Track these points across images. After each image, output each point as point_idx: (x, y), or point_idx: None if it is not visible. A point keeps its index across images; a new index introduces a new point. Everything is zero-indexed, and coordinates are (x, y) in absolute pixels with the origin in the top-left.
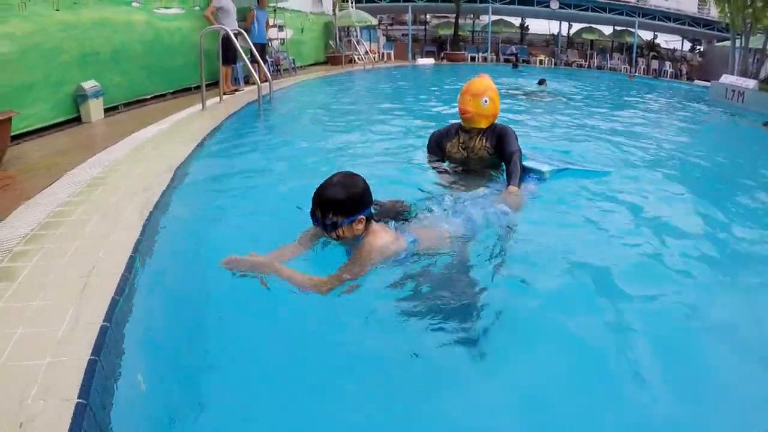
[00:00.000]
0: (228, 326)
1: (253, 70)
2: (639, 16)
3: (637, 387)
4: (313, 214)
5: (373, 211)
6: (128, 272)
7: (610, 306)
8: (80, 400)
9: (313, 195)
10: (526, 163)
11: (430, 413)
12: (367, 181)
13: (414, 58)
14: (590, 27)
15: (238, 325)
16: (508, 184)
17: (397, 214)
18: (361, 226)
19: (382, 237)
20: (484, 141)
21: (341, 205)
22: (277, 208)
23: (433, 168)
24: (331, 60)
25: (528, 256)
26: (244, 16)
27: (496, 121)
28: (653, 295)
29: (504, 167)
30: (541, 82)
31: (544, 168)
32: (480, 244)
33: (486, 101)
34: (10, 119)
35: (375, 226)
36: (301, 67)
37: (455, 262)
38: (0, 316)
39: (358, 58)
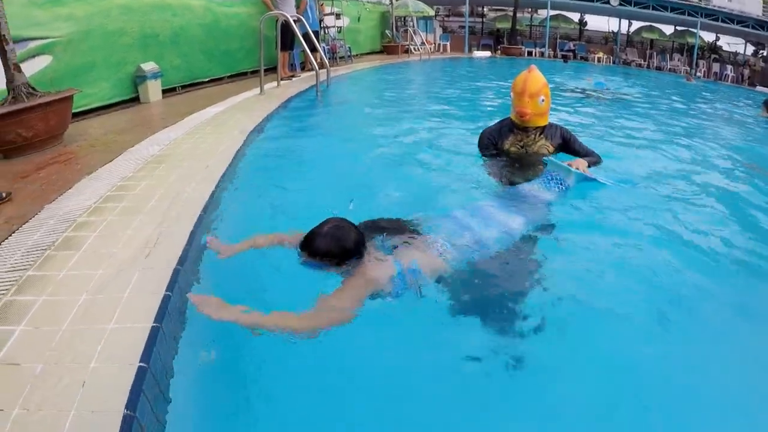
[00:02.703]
0: (286, 299)
1: (311, 57)
2: (701, 16)
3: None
4: (304, 259)
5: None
6: (189, 245)
7: (651, 323)
8: (142, 364)
9: (302, 239)
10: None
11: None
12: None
13: (470, 50)
14: (651, 26)
15: (295, 300)
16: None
17: (401, 232)
18: (348, 267)
19: (370, 270)
20: (543, 139)
21: (331, 255)
22: (332, 193)
23: (486, 161)
24: (387, 50)
25: (563, 266)
26: (298, 3)
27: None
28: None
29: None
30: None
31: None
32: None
33: (543, 100)
34: (71, 97)
35: (362, 265)
36: (357, 55)
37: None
38: (65, 283)
39: (414, 49)
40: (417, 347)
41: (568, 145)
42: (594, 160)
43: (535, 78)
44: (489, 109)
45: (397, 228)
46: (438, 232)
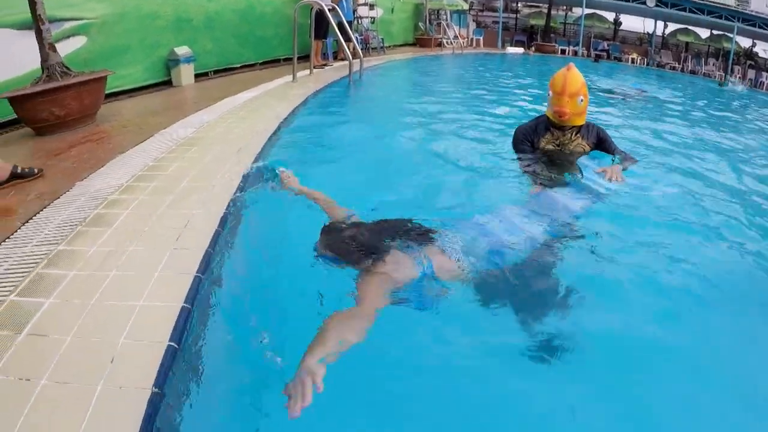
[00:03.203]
0: (320, 285)
1: (345, 46)
2: (738, 21)
3: None
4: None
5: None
6: (221, 227)
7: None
8: (172, 343)
9: (321, 239)
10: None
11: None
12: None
13: (503, 46)
14: (686, 29)
15: (329, 288)
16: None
17: (420, 235)
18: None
19: (388, 271)
20: (580, 138)
21: (348, 259)
22: (361, 183)
23: (520, 159)
24: (420, 42)
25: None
26: None
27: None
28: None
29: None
30: (640, 92)
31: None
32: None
33: (581, 99)
34: (105, 78)
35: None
36: (390, 46)
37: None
38: (95, 258)
39: (447, 42)
40: (429, 348)
41: (603, 145)
42: (630, 162)
43: (574, 77)
44: (521, 106)
45: (415, 229)
46: (457, 235)
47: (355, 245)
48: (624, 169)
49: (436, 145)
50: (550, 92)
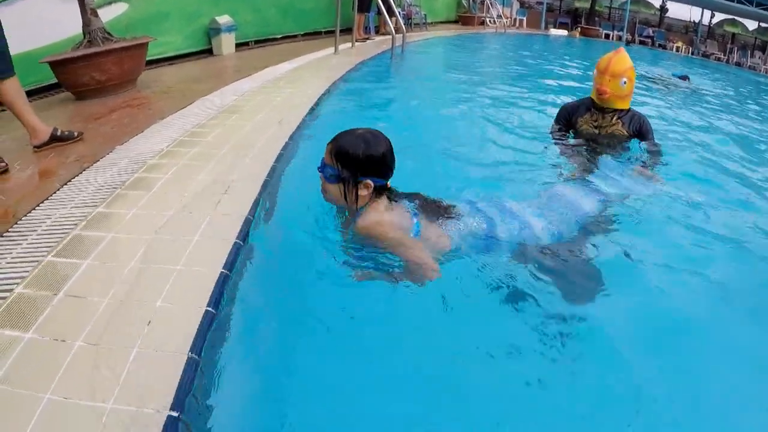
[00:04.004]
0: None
1: (388, 20)
2: None
3: None
4: (323, 161)
5: (386, 184)
6: (261, 195)
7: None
8: (209, 309)
9: (329, 141)
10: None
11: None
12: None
13: (546, 27)
14: (733, 20)
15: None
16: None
17: (440, 211)
18: (366, 192)
19: (386, 214)
20: (619, 124)
21: (353, 159)
22: (399, 156)
23: (555, 141)
24: (463, 20)
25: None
26: None
27: (631, 105)
28: None
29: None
30: (683, 78)
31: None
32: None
33: (624, 82)
34: (146, 44)
35: (380, 200)
36: (432, 23)
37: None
38: (133, 221)
39: (490, 21)
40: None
41: (641, 137)
42: (656, 161)
43: (620, 59)
44: (561, 89)
45: (432, 202)
46: (469, 217)
47: (363, 153)
48: (651, 167)
49: (474, 124)
50: (595, 71)
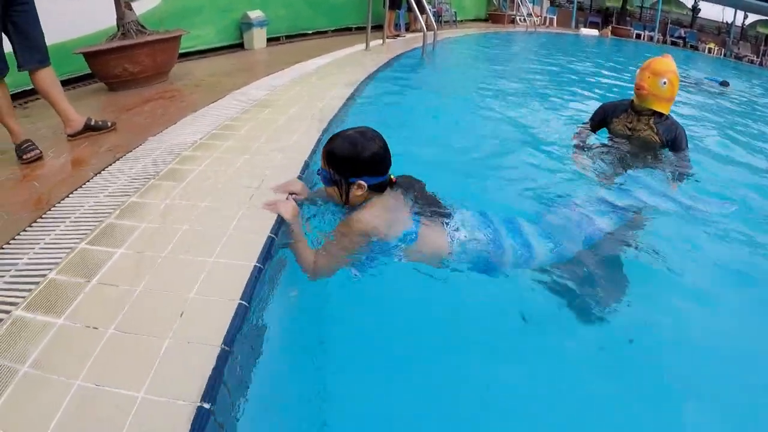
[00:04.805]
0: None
1: (420, 17)
2: None
3: None
4: (320, 165)
5: (385, 180)
6: None
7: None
8: (242, 302)
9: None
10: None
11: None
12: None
13: (577, 26)
14: (767, 21)
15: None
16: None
17: (434, 207)
18: (360, 192)
19: (376, 211)
20: (654, 129)
21: (342, 162)
22: (429, 154)
23: (577, 145)
24: (492, 18)
25: None
26: None
27: (671, 113)
28: None
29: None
30: (723, 84)
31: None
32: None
33: (665, 83)
34: (179, 37)
35: (377, 199)
36: (462, 21)
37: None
38: (167, 212)
39: (520, 19)
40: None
41: (673, 147)
42: (682, 175)
43: (665, 61)
44: (595, 91)
45: (433, 201)
46: (469, 225)
47: (350, 154)
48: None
49: (504, 125)
50: (638, 71)
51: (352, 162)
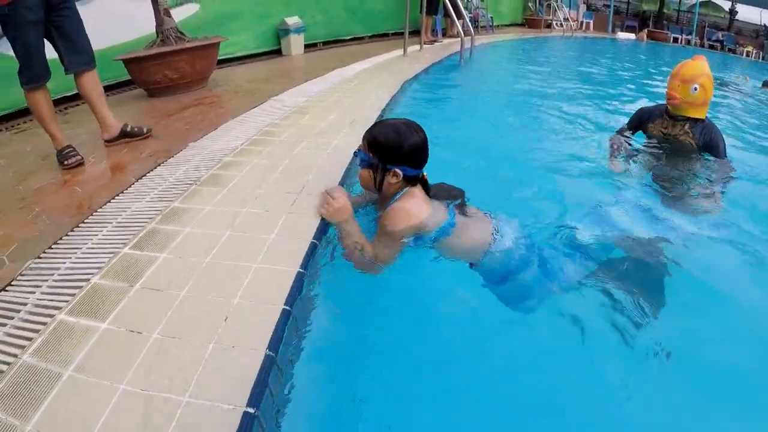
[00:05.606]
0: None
1: (457, 22)
2: None
3: None
4: (359, 147)
5: (420, 175)
6: None
7: None
8: (286, 307)
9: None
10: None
11: None
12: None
13: (613, 30)
14: None
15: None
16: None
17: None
18: (395, 181)
19: (417, 201)
20: (689, 135)
21: (383, 147)
22: (467, 159)
23: (613, 148)
24: (529, 23)
25: None
26: None
27: (707, 116)
28: None
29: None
30: (766, 85)
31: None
32: None
33: (696, 89)
34: (218, 44)
35: (413, 189)
36: (498, 26)
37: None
38: (210, 217)
39: (557, 24)
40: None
41: (710, 150)
42: (722, 180)
43: (695, 65)
44: (633, 97)
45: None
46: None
47: (394, 142)
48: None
49: (542, 130)
50: (668, 77)
51: (393, 149)
